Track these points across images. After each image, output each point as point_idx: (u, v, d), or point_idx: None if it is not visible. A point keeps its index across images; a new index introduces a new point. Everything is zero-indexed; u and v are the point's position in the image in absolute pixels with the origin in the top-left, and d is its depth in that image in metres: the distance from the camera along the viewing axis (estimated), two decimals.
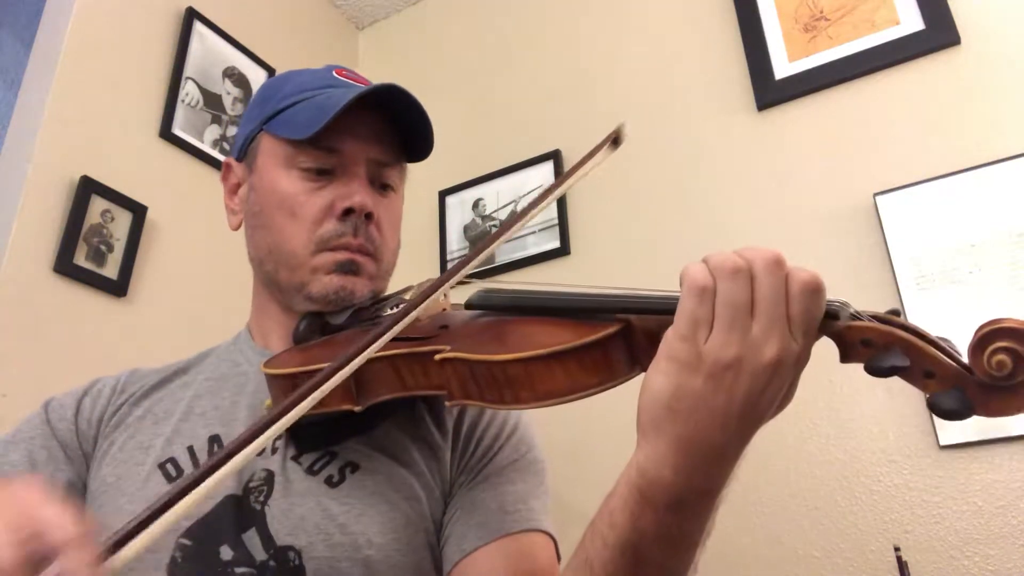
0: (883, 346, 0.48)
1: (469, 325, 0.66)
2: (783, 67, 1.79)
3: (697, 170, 1.84)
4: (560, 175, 2.01)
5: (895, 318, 0.49)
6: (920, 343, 0.47)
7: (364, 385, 0.65)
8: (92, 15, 1.72)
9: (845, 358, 0.50)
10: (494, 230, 2.08)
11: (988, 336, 0.44)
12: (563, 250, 1.94)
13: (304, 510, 0.70)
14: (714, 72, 1.90)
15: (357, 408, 0.65)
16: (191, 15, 1.95)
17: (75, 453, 0.79)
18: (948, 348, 0.48)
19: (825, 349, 0.52)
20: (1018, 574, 1.27)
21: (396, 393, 0.65)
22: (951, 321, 1.41)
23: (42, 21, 1.72)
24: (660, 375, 0.50)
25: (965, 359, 0.46)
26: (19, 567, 0.37)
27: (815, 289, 0.48)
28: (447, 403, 0.60)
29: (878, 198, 1.57)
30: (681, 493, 0.51)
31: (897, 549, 1.26)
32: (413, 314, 0.57)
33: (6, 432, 0.81)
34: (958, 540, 1.33)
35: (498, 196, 2.12)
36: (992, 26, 1.60)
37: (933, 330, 0.49)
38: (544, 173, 2.05)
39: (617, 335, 0.54)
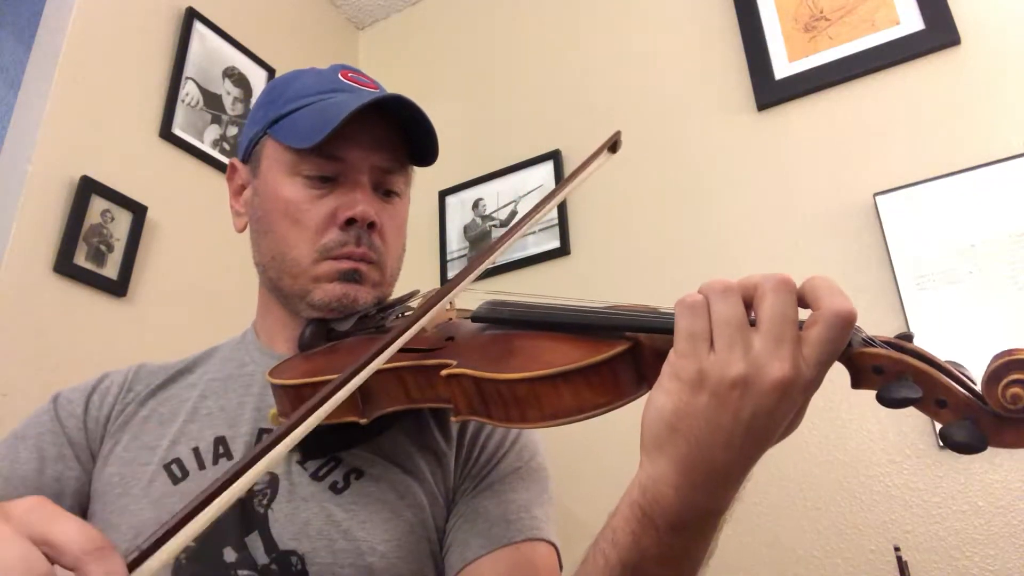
0: (895, 374, 0.47)
1: (476, 338, 0.65)
2: (783, 67, 1.79)
3: (697, 170, 1.84)
4: (560, 175, 2.01)
5: (907, 344, 0.48)
6: (932, 371, 0.46)
7: (370, 398, 0.65)
8: (92, 15, 1.72)
9: (856, 384, 0.49)
10: (494, 230, 2.08)
11: (1002, 368, 0.43)
12: (563, 250, 1.94)
13: (308, 515, 0.70)
14: (714, 72, 1.90)
15: (363, 421, 0.65)
16: (191, 15, 1.95)
17: (83, 452, 0.79)
18: (960, 375, 0.47)
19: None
20: (1018, 574, 1.27)
21: (402, 405, 0.65)
22: (951, 321, 1.40)
23: (42, 21, 1.71)
24: (663, 394, 0.50)
25: (978, 386, 0.45)
26: None
27: (847, 323, 0.46)
28: (452, 418, 0.60)
29: (878, 198, 1.57)
30: (683, 513, 0.50)
31: (897, 549, 1.26)
32: (418, 325, 0.57)
33: (15, 426, 0.81)
34: (958, 540, 1.33)
35: (498, 196, 2.12)
36: (992, 26, 1.60)
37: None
38: (544, 173, 2.05)
39: (625, 354, 0.53)
